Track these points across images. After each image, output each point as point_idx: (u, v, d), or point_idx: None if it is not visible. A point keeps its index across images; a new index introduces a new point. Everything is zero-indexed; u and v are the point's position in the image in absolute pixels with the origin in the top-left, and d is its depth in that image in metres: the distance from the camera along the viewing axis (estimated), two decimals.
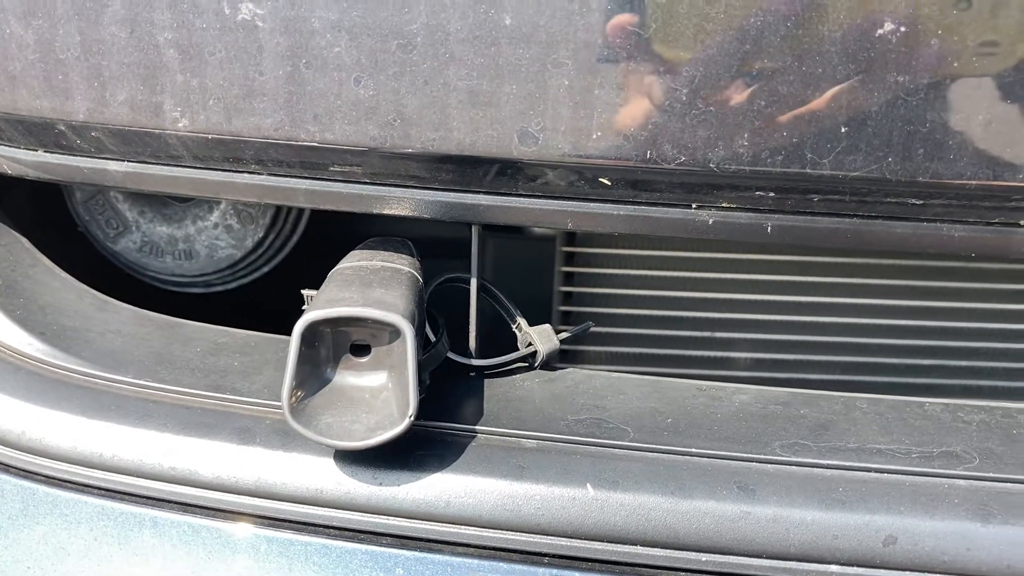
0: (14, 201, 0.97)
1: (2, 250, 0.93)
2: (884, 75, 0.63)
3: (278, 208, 1.01)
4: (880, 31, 0.62)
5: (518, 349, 0.87)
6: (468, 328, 0.87)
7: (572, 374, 0.87)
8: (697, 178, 0.69)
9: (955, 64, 0.62)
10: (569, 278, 1.09)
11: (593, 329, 1.06)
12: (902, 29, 0.61)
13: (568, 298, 1.09)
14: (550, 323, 0.89)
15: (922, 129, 0.64)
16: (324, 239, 1.06)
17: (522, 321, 0.87)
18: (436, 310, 0.86)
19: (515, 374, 0.87)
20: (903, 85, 0.63)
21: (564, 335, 0.88)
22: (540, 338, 0.86)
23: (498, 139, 0.69)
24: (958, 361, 1.06)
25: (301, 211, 1.03)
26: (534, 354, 0.86)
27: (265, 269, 1.05)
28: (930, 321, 1.05)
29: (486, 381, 0.84)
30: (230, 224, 1.00)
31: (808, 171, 0.66)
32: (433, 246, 1.05)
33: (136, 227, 1.01)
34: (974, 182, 0.65)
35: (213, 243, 1.01)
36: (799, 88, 0.64)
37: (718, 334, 1.08)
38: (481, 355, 0.87)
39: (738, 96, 0.65)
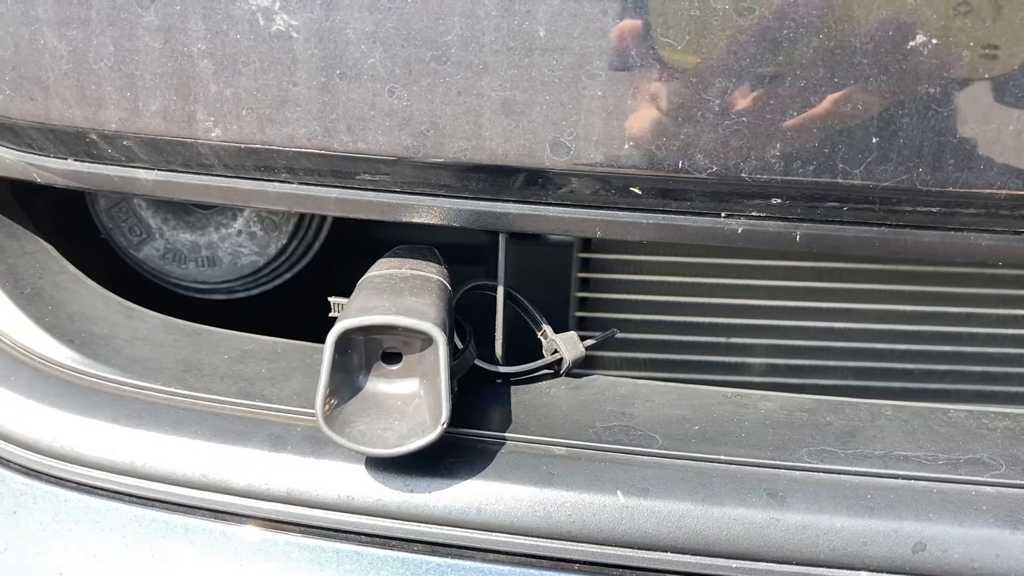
0: (40, 209, 0.98)
1: (29, 258, 0.93)
2: (915, 85, 0.64)
3: (301, 215, 1.01)
4: (912, 42, 0.62)
5: (541, 356, 0.88)
6: (493, 335, 0.87)
7: (597, 381, 0.87)
8: (728, 187, 0.69)
9: (986, 75, 0.63)
10: (585, 284, 1.09)
11: None
12: (934, 40, 0.62)
13: (584, 304, 1.10)
14: (567, 329, 0.89)
15: (952, 140, 0.65)
16: (346, 246, 1.07)
17: (547, 328, 0.88)
18: (460, 317, 0.86)
19: (540, 381, 0.87)
20: (934, 95, 0.64)
21: (590, 342, 0.89)
22: (566, 345, 0.86)
23: (530, 149, 0.69)
24: (973, 367, 1.07)
25: (324, 218, 1.04)
26: (559, 361, 0.86)
27: (287, 276, 1.05)
28: (945, 327, 1.06)
29: (513, 388, 0.85)
30: (253, 231, 1.01)
31: (839, 181, 0.67)
32: (448, 252, 1.06)
33: (159, 234, 1.02)
34: (1004, 192, 0.66)
35: (236, 250, 1.01)
36: (831, 99, 0.65)
37: (734, 339, 1.08)
38: (506, 362, 0.87)
39: (769, 106, 0.65)
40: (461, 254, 1.14)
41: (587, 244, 1.09)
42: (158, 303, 0.95)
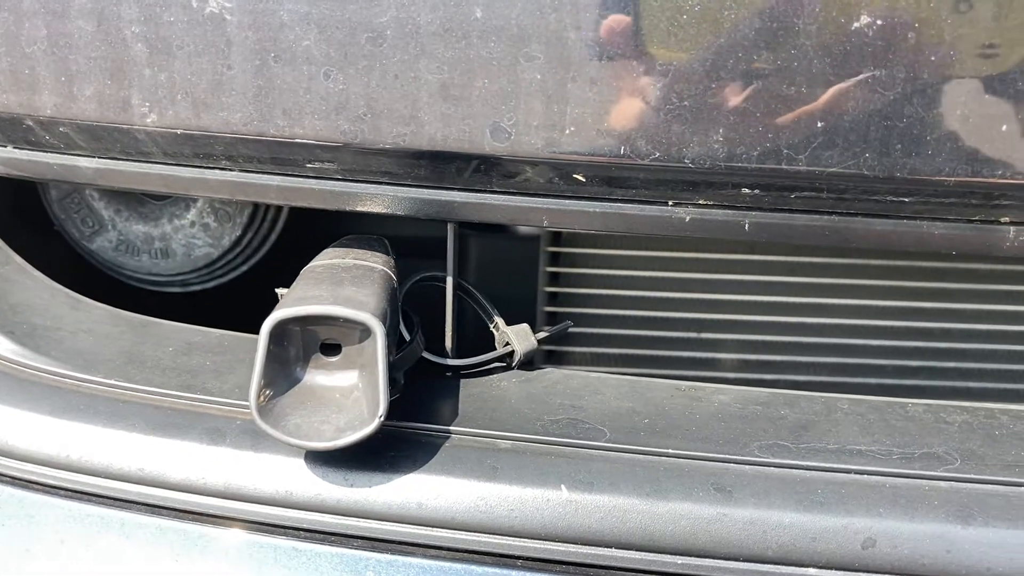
0: None
1: None
2: (860, 70, 0.62)
3: (256, 206, 1.00)
4: (856, 25, 0.61)
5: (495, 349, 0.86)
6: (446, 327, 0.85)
7: (550, 374, 0.86)
8: (672, 175, 0.68)
9: (931, 59, 0.61)
10: (554, 278, 1.08)
11: (578, 330, 1.05)
12: (877, 23, 0.60)
13: (553, 299, 1.08)
14: (535, 323, 0.88)
15: (899, 125, 0.63)
16: (306, 238, 1.05)
17: (499, 320, 0.86)
18: (420, 311, 0.85)
19: (492, 374, 0.86)
20: (880, 80, 0.62)
21: (542, 335, 0.87)
22: (517, 337, 0.85)
23: (470, 134, 0.68)
24: (946, 363, 1.05)
25: (279, 210, 1.02)
26: (511, 354, 0.85)
27: (243, 268, 1.04)
28: (918, 322, 1.04)
29: (462, 381, 0.83)
30: (207, 222, 0.99)
31: (784, 167, 0.65)
32: (421, 245, 1.04)
33: (112, 225, 1.00)
34: (952, 179, 0.64)
35: (190, 242, 1.00)
36: (775, 83, 0.63)
37: (705, 335, 1.07)
38: (464, 355, 0.85)
39: (712, 91, 0.64)
40: (434, 248, 1.12)
41: (556, 238, 1.07)
42: (125, 298, 0.94)
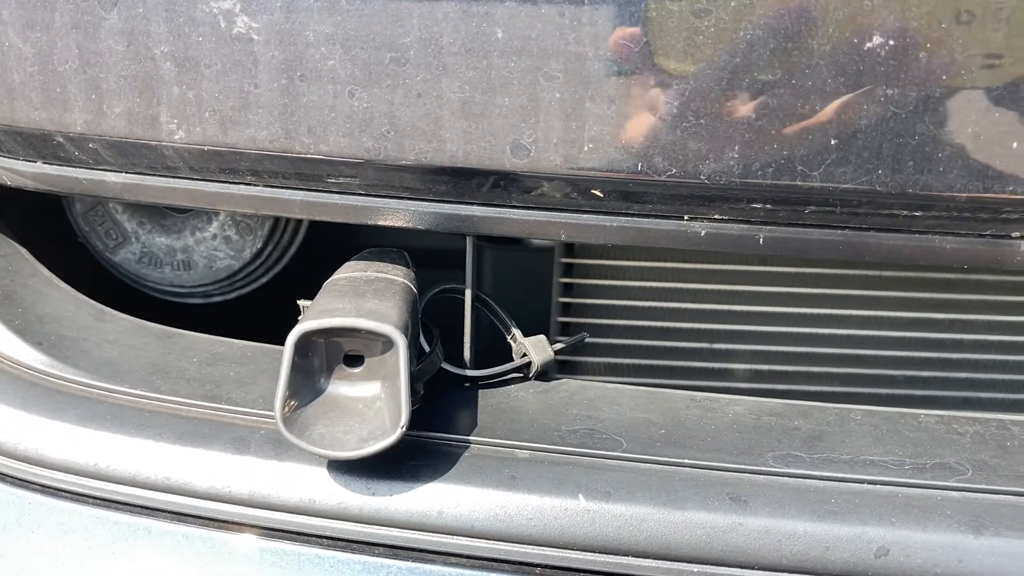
0: (14, 212, 0.98)
1: (1, 261, 0.93)
2: (873, 88, 0.63)
3: (276, 219, 1.01)
4: (868, 44, 0.62)
5: (512, 360, 0.87)
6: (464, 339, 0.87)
7: (566, 385, 0.87)
8: (688, 190, 0.69)
9: (943, 77, 0.62)
10: (568, 289, 1.09)
11: (592, 340, 1.06)
12: (890, 43, 0.62)
13: (567, 309, 1.10)
14: (549, 334, 0.89)
15: (911, 141, 0.64)
16: (325, 250, 1.06)
17: (516, 332, 0.88)
18: (436, 322, 0.86)
19: (509, 385, 0.87)
20: (892, 98, 0.63)
21: (559, 346, 0.89)
22: (534, 349, 0.86)
23: (491, 151, 0.69)
24: (959, 373, 1.06)
25: (299, 222, 1.04)
26: (528, 364, 0.86)
27: (264, 280, 1.05)
28: (931, 333, 1.05)
29: (480, 392, 0.85)
30: (229, 235, 1.01)
31: (798, 183, 0.66)
32: (437, 257, 1.05)
33: (135, 238, 1.02)
34: (964, 194, 0.66)
35: (212, 254, 1.02)
36: (789, 101, 0.64)
37: (718, 345, 1.08)
38: (480, 366, 0.87)
39: (728, 109, 0.65)
40: (450, 259, 1.14)
41: (569, 249, 1.08)
42: (147, 309, 0.96)
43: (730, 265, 1.06)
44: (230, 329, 0.95)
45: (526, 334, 0.88)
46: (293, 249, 1.04)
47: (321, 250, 1.06)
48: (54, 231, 1.04)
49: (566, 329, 1.09)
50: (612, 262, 1.08)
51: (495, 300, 0.89)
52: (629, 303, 1.07)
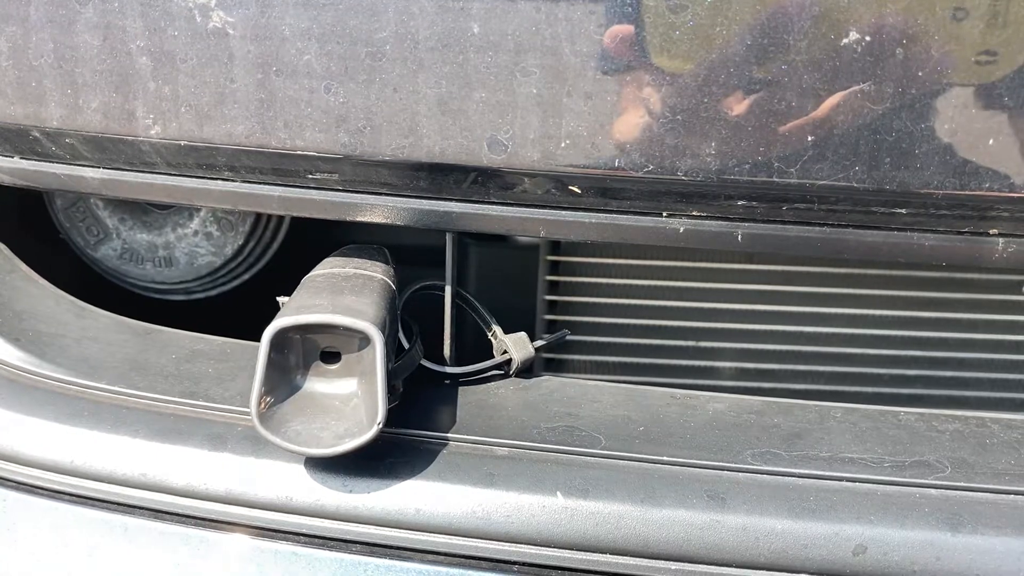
0: None
1: None
2: (850, 84, 0.63)
3: (258, 215, 1.01)
4: (844, 41, 0.62)
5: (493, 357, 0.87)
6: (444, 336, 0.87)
7: (547, 382, 0.87)
8: (665, 187, 0.69)
9: (919, 74, 0.62)
10: (554, 287, 1.09)
11: (577, 338, 1.06)
12: (866, 39, 0.61)
13: (552, 307, 1.09)
14: (535, 332, 0.89)
15: (888, 138, 0.64)
16: (306, 247, 1.06)
17: (497, 329, 0.87)
18: (421, 320, 0.86)
19: (490, 382, 0.87)
20: (869, 94, 0.63)
21: (539, 343, 0.88)
22: (515, 346, 0.86)
23: (468, 147, 0.69)
24: (944, 372, 1.06)
25: (281, 218, 1.03)
26: (509, 362, 0.86)
27: (246, 276, 1.05)
28: (917, 331, 1.05)
29: (460, 389, 0.84)
30: (210, 231, 1.00)
31: (775, 180, 0.66)
32: (423, 254, 1.05)
33: (116, 234, 1.01)
34: (941, 191, 0.65)
35: (193, 250, 1.01)
36: (765, 97, 0.64)
37: (703, 343, 1.08)
38: (465, 363, 0.86)
39: (704, 106, 0.65)
40: (436, 256, 1.13)
41: (555, 247, 1.08)
42: (131, 306, 0.95)
43: (716, 263, 1.06)
44: (213, 326, 0.95)
45: (513, 332, 0.88)
46: (275, 246, 1.04)
47: (304, 247, 1.06)
48: (35, 227, 1.03)
49: (552, 327, 1.09)
50: (598, 260, 1.07)
51: (481, 298, 0.89)
52: (615, 301, 1.07)
